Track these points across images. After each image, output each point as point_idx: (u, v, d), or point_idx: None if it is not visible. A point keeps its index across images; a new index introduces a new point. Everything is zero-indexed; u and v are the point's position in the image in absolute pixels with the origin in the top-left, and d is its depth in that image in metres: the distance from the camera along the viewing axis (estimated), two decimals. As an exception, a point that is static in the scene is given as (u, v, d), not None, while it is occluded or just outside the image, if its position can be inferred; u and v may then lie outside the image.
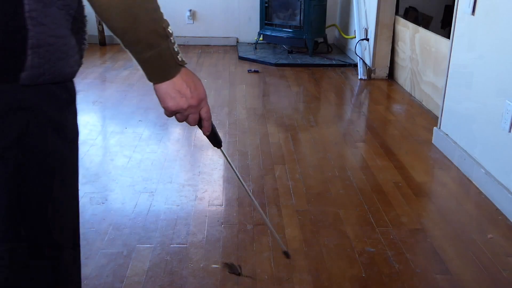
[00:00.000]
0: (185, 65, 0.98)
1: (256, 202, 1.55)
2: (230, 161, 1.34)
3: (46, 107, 0.85)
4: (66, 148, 0.91)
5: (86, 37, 0.93)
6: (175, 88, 0.97)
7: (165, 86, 0.97)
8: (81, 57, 0.92)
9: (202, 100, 1.02)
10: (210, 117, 1.08)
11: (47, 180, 0.89)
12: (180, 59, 0.96)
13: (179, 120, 1.05)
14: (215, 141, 1.22)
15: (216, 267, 1.88)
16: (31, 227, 0.90)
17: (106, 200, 2.37)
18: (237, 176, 1.36)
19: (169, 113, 1.03)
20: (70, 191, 0.96)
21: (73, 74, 0.89)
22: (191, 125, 1.07)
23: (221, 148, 1.24)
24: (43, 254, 0.93)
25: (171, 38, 0.93)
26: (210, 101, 3.86)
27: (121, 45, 0.90)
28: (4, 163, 0.83)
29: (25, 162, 0.84)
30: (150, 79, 0.98)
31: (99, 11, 0.84)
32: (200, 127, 1.11)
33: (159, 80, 0.97)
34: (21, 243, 0.90)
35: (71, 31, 0.85)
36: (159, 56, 0.93)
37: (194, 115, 1.04)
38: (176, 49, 0.95)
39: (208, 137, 1.18)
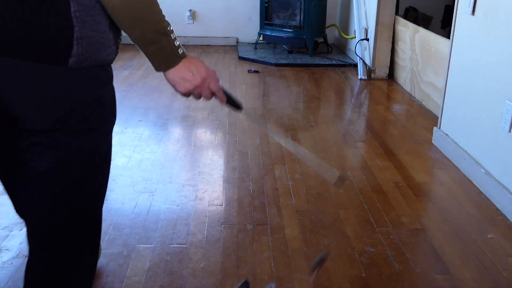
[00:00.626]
0: (186, 56, 1.16)
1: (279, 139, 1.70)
2: (256, 121, 1.46)
3: (89, 84, 1.09)
4: (105, 113, 1.16)
5: (122, 33, 1.14)
6: (179, 75, 1.17)
7: (170, 74, 1.17)
8: (117, 48, 1.15)
9: (205, 78, 1.20)
10: (219, 89, 1.24)
11: (95, 140, 1.15)
12: (180, 52, 1.15)
13: (197, 99, 1.25)
14: (235, 106, 1.34)
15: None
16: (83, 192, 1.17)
17: (106, 200, 2.35)
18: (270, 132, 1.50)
19: (182, 95, 1.23)
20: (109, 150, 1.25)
21: (110, 61, 1.13)
22: (207, 100, 1.26)
23: (243, 111, 1.36)
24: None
25: (171, 35, 1.11)
26: (210, 101, 3.86)
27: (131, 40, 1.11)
28: (62, 129, 1.07)
29: (74, 126, 1.09)
30: (155, 69, 1.17)
31: (112, 12, 1.05)
32: (219, 99, 1.28)
33: (163, 69, 1.16)
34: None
35: (109, 27, 1.08)
36: (160, 50, 1.11)
37: (204, 91, 1.22)
38: (176, 44, 1.13)
39: (227, 103, 1.31)
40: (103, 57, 1.09)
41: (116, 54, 1.16)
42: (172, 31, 1.12)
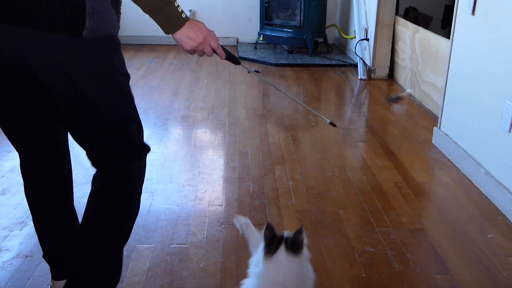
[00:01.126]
0: (189, 20, 1.41)
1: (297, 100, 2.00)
2: (254, 73, 1.81)
3: (100, 51, 1.31)
4: (117, 73, 1.38)
5: (121, 10, 1.37)
6: (185, 35, 1.41)
7: (177, 35, 1.41)
8: (118, 22, 1.36)
9: (206, 36, 1.44)
10: (219, 46, 1.49)
11: (106, 95, 1.37)
12: (184, 16, 1.40)
13: (200, 55, 1.50)
14: (233, 60, 1.59)
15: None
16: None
17: (106, 200, 2.37)
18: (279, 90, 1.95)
19: (188, 52, 1.48)
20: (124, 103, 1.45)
21: (116, 33, 1.35)
22: (209, 55, 1.50)
23: (241, 64, 1.62)
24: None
25: (175, 3, 1.36)
26: (210, 101, 3.86)
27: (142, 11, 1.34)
28: (84, 84, 1.31)
29: (89, 86, 1.32)
30: (165, 32, 1.41)
31: None
32: (219, 55, 1.52)
33: (171, 31, 1.40)
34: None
35: (111, 5, 1.30)
36: (167, 16, 1.36)
37: (206, 48, 1.47)
38: (180, 10, 1.38)
39: (226, 59, 1.56)
40: (110, 30, 1.31)
41: (118, 28, 1.37)
42: (175, 0, 1.36)
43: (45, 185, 1.57)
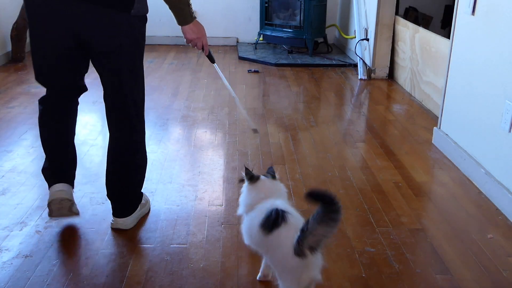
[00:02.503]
0: (196, 18, 2.09)
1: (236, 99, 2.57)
2: (220, 73, 2.47)
3: (139, 23, 1.93)
4: (143, 43, 2.01)
5: None
6: (190, 28, 2.09)
7: (186, 27, 2.08)
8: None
9: (203, 35, 2.14)
10: (207, 44, 2.19)
11: (135, 55, 1.99)
12: (194, 15, 2.06)
13: (193, 46, 2.16)
14: (211, 59, 2.36)
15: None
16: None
17: (106, 200, 2.36)
18: (226, 84, 2.55)
19: (188, 41, 2.14)
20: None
21: (147, 12, 1.96)
22: (198, 49, 2.18)
23: (215, 64, 2.38)
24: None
25: (190, 6, 2.02)
26: (210, 101, 3.86)
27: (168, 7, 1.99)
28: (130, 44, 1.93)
29: (128, 47, 1.93)
30: (178, 23, 2.07)
31: None
32: (203, 51, 2.21)
33: (182, 24, 2.06)
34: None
35: None
36: (184, 14, 2.03)
37: (199, 43, 2.14)
38: (192, 11, 2.05)
39: (207, 57, 2.32)
40: (145, 10, 1.94)
41: (148, 10, 1.96)
42: (191, 3, 2.02)
43: (54, 112, 2.16)
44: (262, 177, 1.77)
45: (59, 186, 2.09)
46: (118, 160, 2.08)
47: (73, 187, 2.16)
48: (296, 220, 1.55)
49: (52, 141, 2.15)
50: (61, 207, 2.06)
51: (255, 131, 2.69)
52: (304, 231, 1.45)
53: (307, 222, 1.45)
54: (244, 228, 1.68)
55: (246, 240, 1.68)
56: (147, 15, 1.97)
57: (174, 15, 2.01)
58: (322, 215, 1.42)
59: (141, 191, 2.19)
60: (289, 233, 1.49)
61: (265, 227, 1.55)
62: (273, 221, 1.54)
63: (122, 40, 1.88)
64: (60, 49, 1.92)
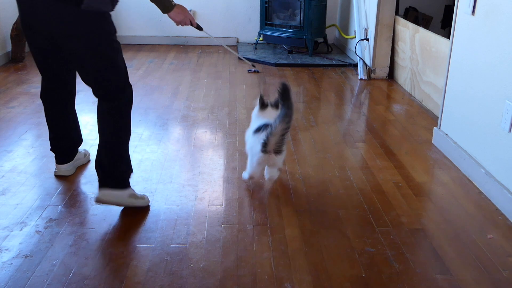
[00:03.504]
0: (176, 4, 2.56)
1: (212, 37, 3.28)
2: (209, 34, 3.24)
3: (96, 19, 2.04)
4: (105, 34, 2.12)
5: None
6: (175, 13, 2.56)
7: (171, 13, 2.55)
8: (113, 6, 2.10)
9: (187, 13, 2.63)
10: (193, 19, 2.73)
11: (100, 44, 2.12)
12: (173, 3, 2.54)
13: (183, 25, 2.68)
14: (199, 28, 3.02)
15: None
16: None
17: (106, 200, 2.37)
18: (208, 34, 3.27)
19: (177, 23, 2.64)
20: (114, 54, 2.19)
21: (107, 10, 2.07)
22: (188, 25, 2.69)
23: (202, 30, 3.10)
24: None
25: None
26: (210, 101, 3.86)
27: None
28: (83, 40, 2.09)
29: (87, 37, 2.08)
30: (163, 12, 2.53)
31: None
32: (192, 25, 2.81)
33: (167, 11, 2.52)
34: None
35: None
36: (164, 3, 2.50)
37: (187, 21, 2.65)
38: (171, 0, 2.53)
39: (196, 28, 2.95)
40: (104, 7, 2.05)
41: (113, 7, 2.10)
42: None
43: (53, 94, 2.46)
44: (269, 106, 2.48)
45: (63, 167, 2.56)
46: (103, 130, 2.25)
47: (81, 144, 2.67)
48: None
49: (52, 126, 2.51)
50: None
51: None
52: (267, 135, 2.21)
53: (270, 128, 2.20)
54: (246, 136, 2.54)
55: (246, 146, 2.51)
56: (110, 12, 2.10)
57: (157, 6, 2.45)
58: (280, 116, 2.18)
59: (126, 172, 2.31)
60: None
61: (254, 133, 2.39)
62: (257, 129, 2.36)
63: (72, 32, 2.04)
64: (35, 40, 2.23)
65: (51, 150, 2.56)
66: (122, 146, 2.27)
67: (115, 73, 2.20)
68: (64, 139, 2.55)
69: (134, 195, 2.27)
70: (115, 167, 2.22)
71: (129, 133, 2.33)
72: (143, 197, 2.32)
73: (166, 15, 2.56)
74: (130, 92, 2.34)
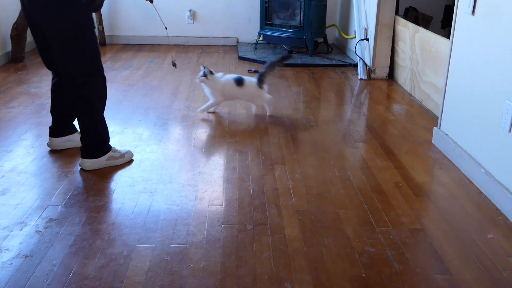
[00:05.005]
0: None
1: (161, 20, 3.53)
2: (158, 12, 3.33)
3: (69, 7, 2.38)
4: (78, 25, 2.45)
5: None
6: None
7: None
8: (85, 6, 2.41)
9: None
10: None
11: (75, 34, 2.46)
12: None
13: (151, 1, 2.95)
14: (151, 1, 2.97)
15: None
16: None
17: (106, 200, 2.37)
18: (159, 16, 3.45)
19: None
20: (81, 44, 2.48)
21: (82, 1, 2.37)
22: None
23: (152, 3, 3.02)
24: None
25: None
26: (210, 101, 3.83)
27: None
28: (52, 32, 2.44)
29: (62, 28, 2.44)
30: None
31: None
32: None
33: None
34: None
35: None
36: None
37: None
38: None
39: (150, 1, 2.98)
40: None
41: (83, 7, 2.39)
42: None
43: (59, 82, 2.75)
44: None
45: (54, 141, 2.89)
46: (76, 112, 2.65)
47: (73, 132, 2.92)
48: (248, 79, 3.48)
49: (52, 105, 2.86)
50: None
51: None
52: (261, 74, 3.47)
53: (262, 71, 3.42)
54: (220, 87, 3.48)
55: (220, 96, 3.48)
56: (83, 2, 2.36)
57: None
58: (275, 62, 3.46)
59: (103, 144, 2.69)
60: (251, 81, 3.46)
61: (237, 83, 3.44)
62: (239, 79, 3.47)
63: (48, 19, 2.37)
64: (34, 31, 2.57)
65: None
66: (92, 123, 2.62)
67: (78, 61, 2.47)
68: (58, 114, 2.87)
69: (112, 157, 2.69)
70: (89, 141, 2.63)
71: (97, 113, 2.61)
72: (123, 156, 2.73)
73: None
74: (97, 81, 2.58)
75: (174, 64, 3.52)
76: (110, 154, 2.69)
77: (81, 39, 2.44)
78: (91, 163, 2.65)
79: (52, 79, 2.79)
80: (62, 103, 2.81)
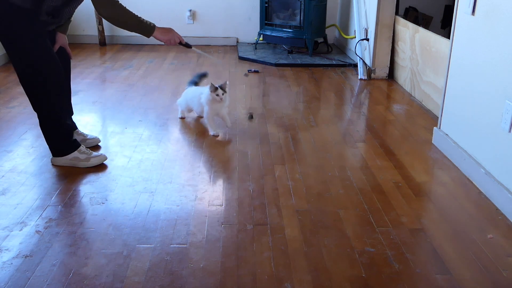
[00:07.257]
0: (155, 25, 2.71)
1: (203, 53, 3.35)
2: (200, 51, 3.21)
3: (10, 12, 2.40)
4: (18, 31, 2.43)
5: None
6: (159, 34, 2.72)
7: (155, 35, 2.71)
8: (33, 4, 2.39)
9: (172, 33, 2.77)
10: (180, 37, 2.82)
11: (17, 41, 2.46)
12: (151, 25, 2.67)
13: (173, 44, 2.80)
14: (188, 46, 2.94)
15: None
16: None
17: (106, 200, 2.37)
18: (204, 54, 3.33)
19: (165, 42, 2.76)
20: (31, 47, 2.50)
21: (25, 6, 2.37)
22: (178, 43, 2.81)
23: (192, 48, 2.99)
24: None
25: (142, 20, 2.63)
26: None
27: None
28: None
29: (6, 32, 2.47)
30: (148, 36, 2.72)
31: (107, 20, 2.65)
32: (181, 44, 2.85)
33: (149, 34, 2.70)
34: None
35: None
36: (143, 28, 2.67)
37: (174, 39, 2.77)
38: (148, 23, 2.67)
39: (184, 45, 2.92)
40: (19, 2, 2.34)
41: (33, 5, 2.37)
42: (140, 18, 2.63)
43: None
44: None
45: None
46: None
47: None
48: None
49: None
50: None
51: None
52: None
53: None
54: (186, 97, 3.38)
55: (184, 105, 3.38)
56: (29, 8, 2.35)
57: (138, 33, 2.64)
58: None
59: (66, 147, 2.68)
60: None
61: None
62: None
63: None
64: None
65: None
66: (50, 124, 2.63)
67: (23, 62, 2.48)
68: None
69: (76, 158, 2.66)
70: (50, 140, 2.67)
71: (54, 112, 2.61)
72: (88, 159, 2.67)
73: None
74: (49, 79, 2.54)
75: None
76: (74, 155, 2.67)
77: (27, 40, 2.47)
78: (59, 162, 2.69)
79: None
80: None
